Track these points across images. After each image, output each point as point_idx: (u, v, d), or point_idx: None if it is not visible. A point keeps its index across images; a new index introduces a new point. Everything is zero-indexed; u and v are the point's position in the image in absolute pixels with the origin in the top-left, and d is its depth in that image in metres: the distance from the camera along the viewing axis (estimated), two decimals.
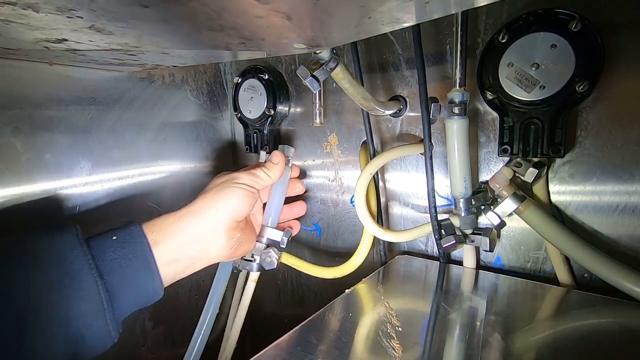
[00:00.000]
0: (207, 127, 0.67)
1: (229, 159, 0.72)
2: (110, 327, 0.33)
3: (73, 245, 0.33)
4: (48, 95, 0.47)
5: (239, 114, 0.64)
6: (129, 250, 0.35)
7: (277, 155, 0.48)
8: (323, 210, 0.63)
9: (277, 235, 0.50)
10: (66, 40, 0.33)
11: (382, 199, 0.56)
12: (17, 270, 0.30)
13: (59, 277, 0.31)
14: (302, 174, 0.64)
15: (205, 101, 0.67)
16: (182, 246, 0.38)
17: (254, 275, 0.53)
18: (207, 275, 0.49)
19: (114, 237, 0.36)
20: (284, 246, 0.50)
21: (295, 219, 0.56)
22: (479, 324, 0.36)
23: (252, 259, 0.50)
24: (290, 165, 0.51)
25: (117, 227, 0.37)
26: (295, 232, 0.54)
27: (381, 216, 0.55)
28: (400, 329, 0.36)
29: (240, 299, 0.55)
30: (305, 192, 0.63)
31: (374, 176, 0.53)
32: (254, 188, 0.44)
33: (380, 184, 0.55)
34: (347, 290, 0.44)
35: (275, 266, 0.50)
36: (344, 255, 0.59)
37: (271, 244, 0.51)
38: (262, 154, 0.50)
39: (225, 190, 0.42)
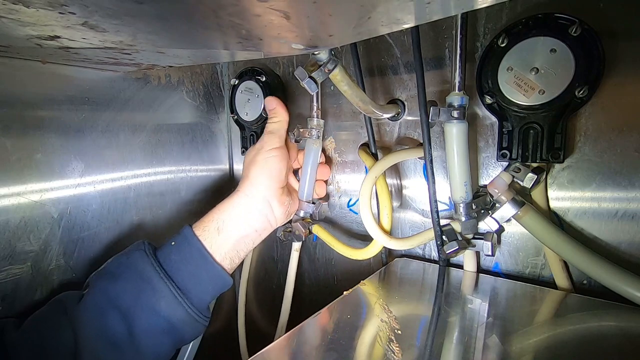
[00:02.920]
0: (203, 129, 0.67)
1: (225, 162, 0.71)
2: (193, 314, 0.41)
3: (144, 259, 0.42)
4: (40, 94, 0.46)
5: (236, 116, 0.63)
6: (186, 250, 0.43)
7: (268, 101, 0.50)
8: None
9: (310, 208, 0.54)
10: (59, 37, 0.32)
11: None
12: (114, 282, 0.41)
13: (141, 284, 0.40)
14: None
15: (201, 103, 0.66)
16: (245, 223, 0.46)
17: (297, 245, 0.61)
18: None
19: (173, 243, 0.44)
20: (317, 218, 0.55)
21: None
22: (478, 326, 0.35)
23: (291, 231, 0.57)
24: (320, 138, 0.52)
25: (175, 234, 0.45)
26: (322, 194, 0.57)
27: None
28: (399, 331, 0.35)
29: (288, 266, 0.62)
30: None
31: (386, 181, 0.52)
32: (280, 145, 0.48)
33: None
34: (345, 292, 0.43)
35: (302, 239, 0.55)
36: (342, 257, 0.58)
37: (305, 216, 0.55)
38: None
39: (262, 165, 0.47)
